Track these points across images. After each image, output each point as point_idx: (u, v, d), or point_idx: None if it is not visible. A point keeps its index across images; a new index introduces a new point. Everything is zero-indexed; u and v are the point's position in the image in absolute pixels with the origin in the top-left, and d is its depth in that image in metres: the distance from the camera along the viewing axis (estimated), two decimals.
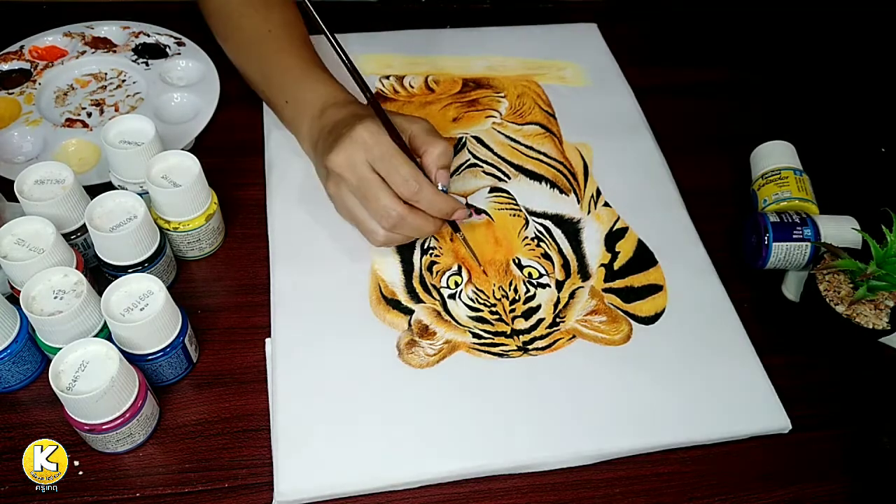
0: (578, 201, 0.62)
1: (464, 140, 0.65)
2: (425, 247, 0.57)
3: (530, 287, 0.55)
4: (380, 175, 0.50)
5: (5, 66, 0.66)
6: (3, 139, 0.60)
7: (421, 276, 0.55)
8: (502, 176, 0.63)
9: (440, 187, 0.52)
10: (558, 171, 0.64)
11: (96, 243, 0.49)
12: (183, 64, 0.68)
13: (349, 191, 0.51)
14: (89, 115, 0.63)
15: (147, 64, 0.67)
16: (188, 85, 0.67)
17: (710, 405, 0.51)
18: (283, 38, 0.61)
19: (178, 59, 0.68)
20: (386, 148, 0.49)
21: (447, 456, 0.47)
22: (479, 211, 0.59)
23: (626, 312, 0.55)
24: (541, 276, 0.56)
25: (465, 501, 0.47)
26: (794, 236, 0.56)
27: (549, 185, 0.63)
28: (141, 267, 0.50)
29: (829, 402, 0.53)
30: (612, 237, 0.60)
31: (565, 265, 0.57)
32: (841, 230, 0.56)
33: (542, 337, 0.53)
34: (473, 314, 0.54)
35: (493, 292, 0.55)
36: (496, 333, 0.53)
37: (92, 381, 0.42)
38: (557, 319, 0.54)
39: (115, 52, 0.68)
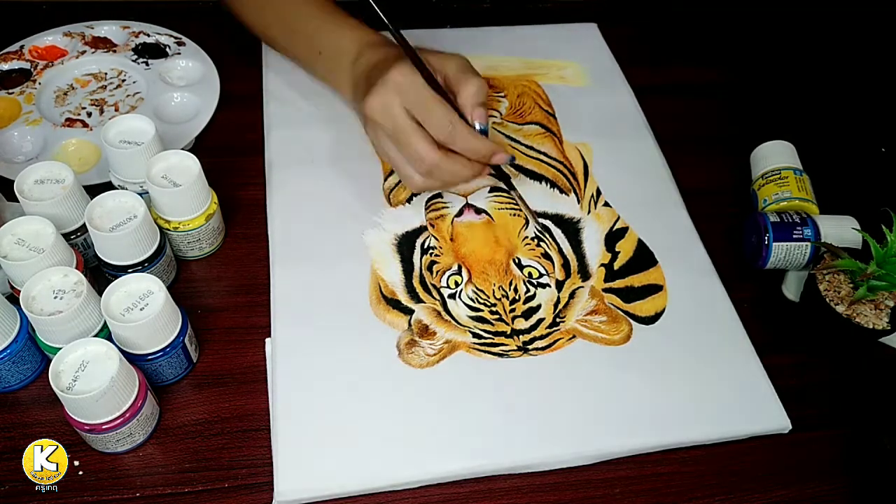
0: (578, 201, 0.62)
1: None
2: (425, 246, 0.57)
3: (530, 287, 0.55)
4: (415, 119, 0.50)
5: (5, 66, 0.66)
6: (3, 139, 0.60)
7: (421, 275, 0.55)
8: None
9: (477, 126, 0.51)
10: (558, 170, 0.64)
11: (96, 243, 0.49)
12: (183, 64, 0.68)
13: (385, 136, 0.52)
14: (89, 114, 0.63)
15: (147, 64, 0.67)
16: (188, 85, 0.67)
17: (709, 405, 0.51)
18: None
19: (178, 59, 0.68)
20: (420, 91, 0.49)
21: (447, 456, 0.47)
22: (478, 210, 0.59)
23: (626, 312, 0.55)
24: (541, 275, 0.56)
25: (465, 501, 0.47)
26: (794, 236, 0.56)
27: (549, 185, 0.63)
28: (141, 267, 0.50)
29: (829, 402, 0.53)
30: (612, 237, 0.60)
31: (565, 265, 0.57)
32: (841, 230, 0.56)
33: (542, 337, 0.53)
34: (473, 314, 0.54)
35: (493, 292, 0.55)
36: (496, 333, 0.53)
37: (92, 381, 0.42)
38: (557, 319, 0.54)
39: (115, 51, 0.68)
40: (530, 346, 0.52)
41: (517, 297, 0.55)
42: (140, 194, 0.51)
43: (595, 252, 0.58)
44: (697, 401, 0.51)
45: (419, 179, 0.52)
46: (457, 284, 0.55)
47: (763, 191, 0.61)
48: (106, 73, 0.67)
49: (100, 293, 0.45)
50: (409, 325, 0.53)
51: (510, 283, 0.55)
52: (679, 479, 0.49)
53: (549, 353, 0.52)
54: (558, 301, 0.55)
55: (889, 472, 0.49)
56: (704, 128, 0.72)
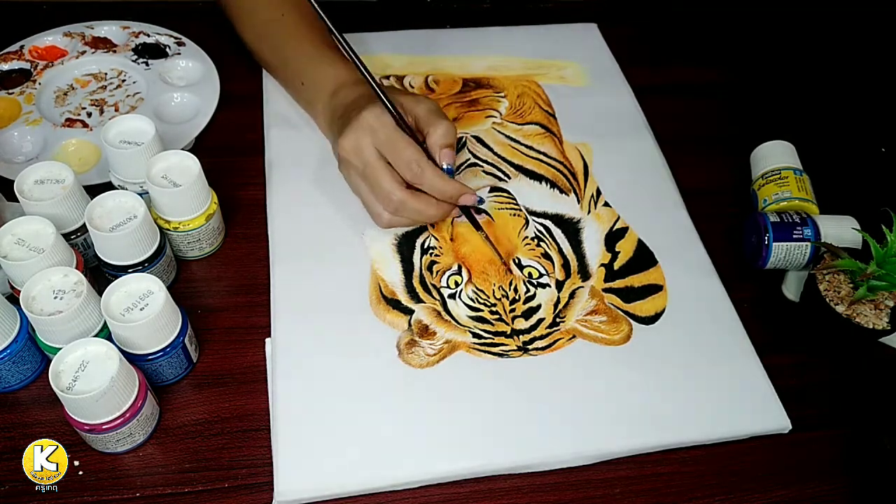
0: (578, 201, 0.62)
1: (464, 140, 0.65)
2: (425, 246, 0.57)
3: (530, 287, 0.55)
4: (385, 159, 0.51)
5: (5, 66, 0.66)
6: (3, 139, 0.60)
7: (421, 275, 0.55)
8: (502, 176, 0.63)
9: (445, 167, 0.53)
10: (558, 170, 0.64)
11: (96, 243, 0.49)
12: (183, 64, 0.68)
13: (356, 174, 0.54)
14: (89, 115, 0.63)
15: (147, 64, 0.67)
16: (188, 85, 0.67)
17: (710, 405, 0.51)
18: (297, 21, 0.62)
19: (178, 59, 0.68)
20: (390, 132, 0.51)
21: (447, 456, 0.47)
22: (479, 211, 0.59)
23: (626, 312, 0.55)
24: (541, 275, 0.56)
25: (465, 501, 0.47)
26: (794, 236, 0.56)
27: (549, 185, 0.63)
28: (141, 267, 0.50)
29: (829, 402, 0.53)
30: (612, 237, 0.60)
31: (565, 265, 0.57)
32: (841, 230, 0.56)
33: (542, 337, 0.53)
34: (473, 314, 0.54)
35: (493, 292, 0.55)
36: (496, 333, 0.53)
37: (92, 381, 0.42)
38: (557, 319, 0.54)
39: (115, 52, 0.68)
40: (530, 346, 0.52)
41: (517, 297, 0.55)
42: (140, 194, 0.51)
43: (595, 252, 0.58)
44: (697, 401, 0.51)
45: (387, 216, 0.53)
46: (457, 284, 0.55)
47: (763, 191, 0.61)
48: (106, 74, 0.67)
49: (100, 293, 0.45)
50: (409, 325, 0.53)
51: (510, 283, 0.55)
52: (679, 479, 0.49)
53: (549, 353, 0.52)
54: (558, 301, 0.55)
55: (889, 472, 0.49)
56: (704, 128, 0.71)
